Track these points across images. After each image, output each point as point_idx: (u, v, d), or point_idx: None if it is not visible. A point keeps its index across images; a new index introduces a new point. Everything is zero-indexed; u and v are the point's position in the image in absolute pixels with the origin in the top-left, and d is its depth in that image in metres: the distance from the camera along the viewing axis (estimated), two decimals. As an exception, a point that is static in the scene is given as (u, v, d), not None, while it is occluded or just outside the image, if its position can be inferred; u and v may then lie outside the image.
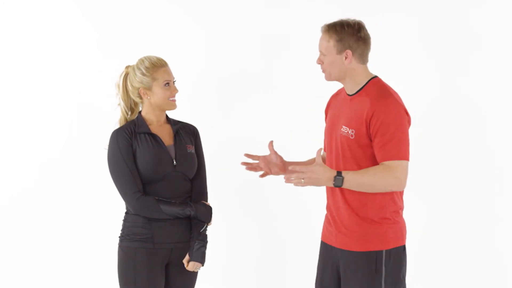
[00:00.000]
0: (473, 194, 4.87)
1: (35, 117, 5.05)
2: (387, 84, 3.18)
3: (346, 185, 3.00)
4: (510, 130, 4.84)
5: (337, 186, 3.00)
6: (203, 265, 3.34)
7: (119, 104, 3.42)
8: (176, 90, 3.36)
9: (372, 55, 3.22)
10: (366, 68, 3.19)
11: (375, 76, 3.19)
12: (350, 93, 3.19)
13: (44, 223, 5.03)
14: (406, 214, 3.22)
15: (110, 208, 4.32)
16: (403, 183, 3.04)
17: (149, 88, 3.33)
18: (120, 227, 3.37)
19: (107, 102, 4.87)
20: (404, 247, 3.18)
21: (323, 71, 3.19)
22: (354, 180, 3.00)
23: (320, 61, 3.19)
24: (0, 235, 5.07)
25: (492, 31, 4.81)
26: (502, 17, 4.80)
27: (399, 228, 3.17)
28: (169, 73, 3.35)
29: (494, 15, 4.80)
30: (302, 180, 2.97)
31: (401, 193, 3.19)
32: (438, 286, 4.90)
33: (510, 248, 4.88)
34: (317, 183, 2.99)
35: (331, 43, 3.12)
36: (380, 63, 3.67)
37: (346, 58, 3.12)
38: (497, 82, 4.83)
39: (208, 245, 3.37)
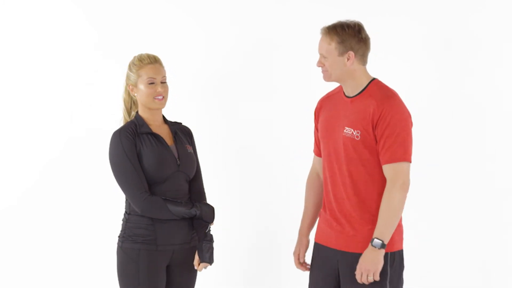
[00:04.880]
0: (473, 195, 4.87)
1: (34, 118, 5.02)
2: (388, 86, 3.18)
3: (386, 239, 3.02)
4: (511, 131, 4.84)
5: (384, 247, 3.02)
6: (211, 265, 3.32)
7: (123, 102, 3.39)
8: (162, 89, 3.26)
9: (371, 56, 3.21)
10: (366, 69, 3.18)
11: (375, 78, 3.19)
12: (351, 95, 3.16)
13: (44, 224, 5.01)
14: (405, 214, 3.20)
15: (111, 209, 4.30)
16: (408, 185, 3.06)
17: (135, 85, 3.28)
18: (120, 228, 3.34)
19: (107, 103, 4.95)
20: (402, 250, 3.18)
21: (324, 73, 3.15)
22: (386, 230, 3.02)
23: (320, 64, 3.14)
24: (1, 236, 5.05)
25: (492, 35, 4.82)
26: (503, 21, 4.81)
27: (401, 231, 3.18)
28: (155, 70, 3.26)
29: (495, 19, 4.81)
30: (369, 277, 3.03)
31: None
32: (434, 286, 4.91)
33: (510, 248, 4.88)
34: (376, 267, 3.02)
35: (333, 45, 3.09)
36: (380, 65, 3.67)
37: (348, 59, 3.09)
38: (498, 84, 4.83)
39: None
